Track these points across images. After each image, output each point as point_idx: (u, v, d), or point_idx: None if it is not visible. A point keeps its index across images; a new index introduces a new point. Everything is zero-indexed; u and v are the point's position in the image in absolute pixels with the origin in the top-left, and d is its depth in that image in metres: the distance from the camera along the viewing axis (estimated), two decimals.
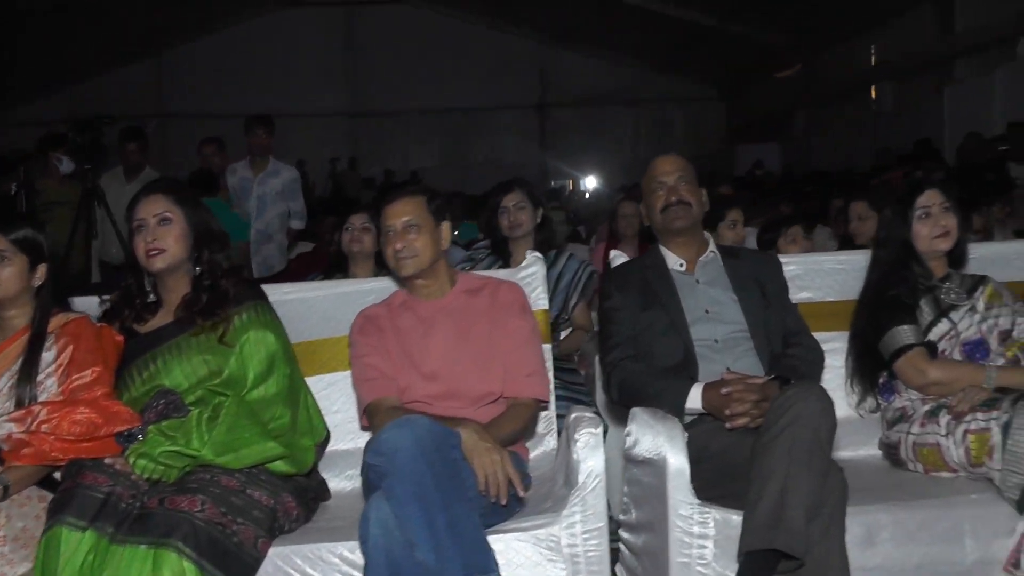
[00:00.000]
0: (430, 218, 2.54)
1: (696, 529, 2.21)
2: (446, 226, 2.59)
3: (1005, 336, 2.71)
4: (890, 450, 2.69)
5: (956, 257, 2.86)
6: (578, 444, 2.26)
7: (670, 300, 2.65)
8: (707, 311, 2.65)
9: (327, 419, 2.64)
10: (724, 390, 2.37)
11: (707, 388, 2.43)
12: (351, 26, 17.87)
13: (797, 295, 2.95)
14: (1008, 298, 2.79)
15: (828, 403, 2.16)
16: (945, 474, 2.51)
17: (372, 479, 2.06)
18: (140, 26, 15.33)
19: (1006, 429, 2.30)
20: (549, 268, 3.59)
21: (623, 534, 2.57)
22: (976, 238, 4.69)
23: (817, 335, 2.87)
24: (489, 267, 3.83)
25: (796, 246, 3.98)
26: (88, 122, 5.22)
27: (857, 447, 2.82)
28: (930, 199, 2.78)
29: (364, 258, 3.87)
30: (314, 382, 2.73)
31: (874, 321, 2.74)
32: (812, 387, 2.20)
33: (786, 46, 15.44)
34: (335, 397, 2.79)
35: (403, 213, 2.52)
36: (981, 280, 2.82)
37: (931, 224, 2.77)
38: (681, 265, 2.75)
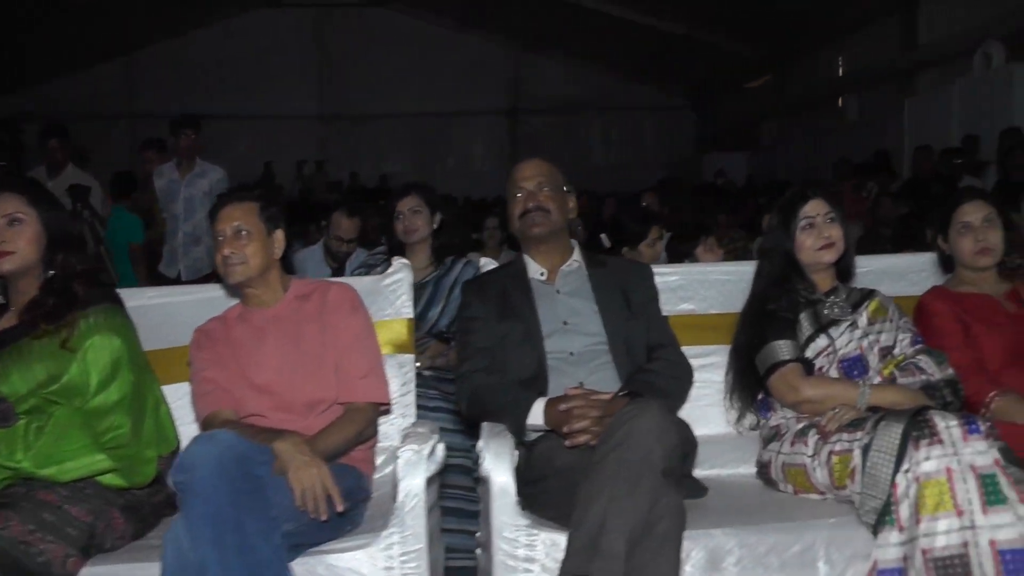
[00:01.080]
0: (262, 225, 2.47)
1: (522, 552, 2.12)
2: (280, 235, 2.51)
3: (886, 353, 2.62)
4: (763, 469, 2.60)
5: (843, 270, 2.78)
6: (399, 461, 2.16)
7: (526, 311, 2.56)
8: (565, 323, 2.55)
9: (184, 429, 2.56)
10: (562, 406, 2.27)
11: (549, 403, 2.33)
12: (323, 28, 17.74)
13: (679, 307, 2.87)
14: (894, 313, 2.70)
15: (665, 422, 2.05)
16: (813, 496, 2.42)
17: (179, 497, 1.95)
18: (112, 25, 15.17)
19: (866, 451, 2.21)
20: (444, 275, 3.54)
21: (477, 552, 2.48)
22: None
23: (698, 348, 2.82)
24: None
25: (713, 255, 3.89)
26: (5, 120, 5.12)
27: (738, 465, 2.73)
28: (814, 209, 2.69)
29: None
30: (173, 391, 2.65)
31: (752, 335, 2.65)
32: (648, 405, 2.08)
33: (756, 57, 15.44)
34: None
35: (233, 218, 2.44)
36: (869, 294, 2.73)
37: (815, 235, 2.67)
38: (542, 274, 2.65)
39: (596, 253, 2.94)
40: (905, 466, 2.11)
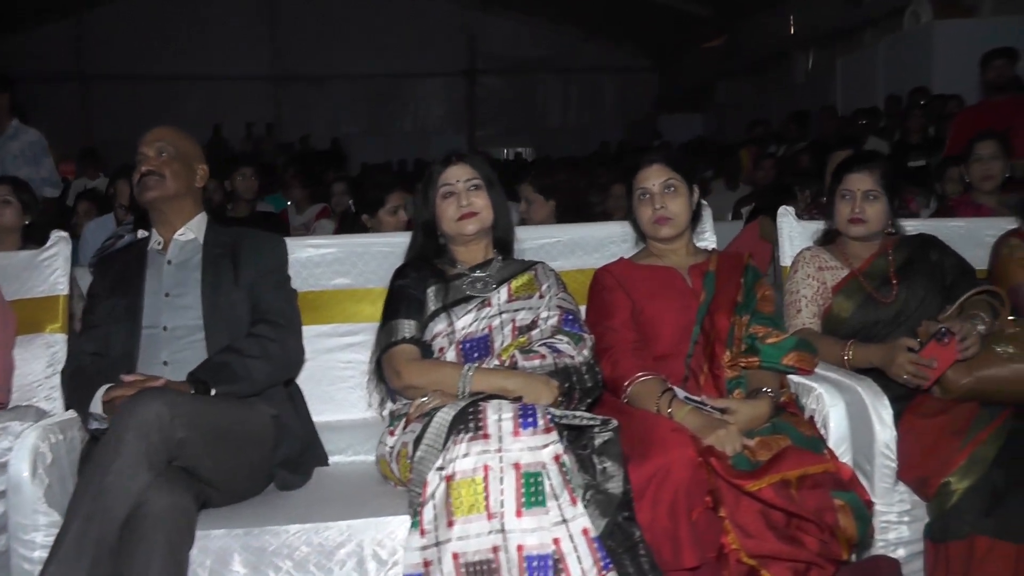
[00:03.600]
0: None
1: (38, 554, 1.95)
2: None
3: (524, 332, 2.40)
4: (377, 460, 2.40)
5: (499, 240, 2.56)
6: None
7: (132, 284, 2.41)
8: (167, 295, 2.39)
9: None
10: (105, 397, 2.11)
11: (108, 391, 2.15)
12: None
13: (333, 281, 2.70)
14: (549, 289, 2.47)
15: (165, 416, 1.88)
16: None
17: None
18: None
19: (417, 443, 2.01)
20: None
21: None
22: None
23: (348, 326, 2.67)
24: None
25: (395, 219, 3.67)
26: None
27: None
28: (455, 175, 2.48)
29: (6, 233, 3.69)
30: None
31: (383, 313, 2.44)
32: (147, 397, 1.91)
33: (711, 17, 15.06)
34: None
35: None
36: (527, 268, 2.52)
37: (454, 204, 2.46)
38: (159, 244, 2.49)
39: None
40: (439, 463, 1.91)
